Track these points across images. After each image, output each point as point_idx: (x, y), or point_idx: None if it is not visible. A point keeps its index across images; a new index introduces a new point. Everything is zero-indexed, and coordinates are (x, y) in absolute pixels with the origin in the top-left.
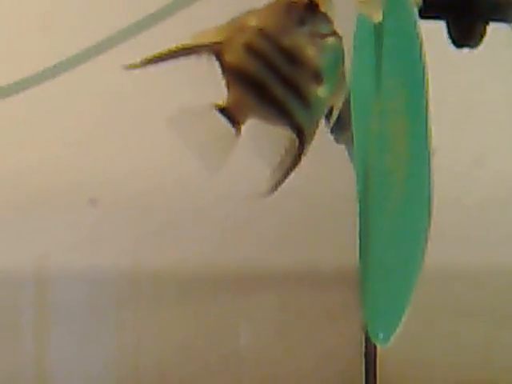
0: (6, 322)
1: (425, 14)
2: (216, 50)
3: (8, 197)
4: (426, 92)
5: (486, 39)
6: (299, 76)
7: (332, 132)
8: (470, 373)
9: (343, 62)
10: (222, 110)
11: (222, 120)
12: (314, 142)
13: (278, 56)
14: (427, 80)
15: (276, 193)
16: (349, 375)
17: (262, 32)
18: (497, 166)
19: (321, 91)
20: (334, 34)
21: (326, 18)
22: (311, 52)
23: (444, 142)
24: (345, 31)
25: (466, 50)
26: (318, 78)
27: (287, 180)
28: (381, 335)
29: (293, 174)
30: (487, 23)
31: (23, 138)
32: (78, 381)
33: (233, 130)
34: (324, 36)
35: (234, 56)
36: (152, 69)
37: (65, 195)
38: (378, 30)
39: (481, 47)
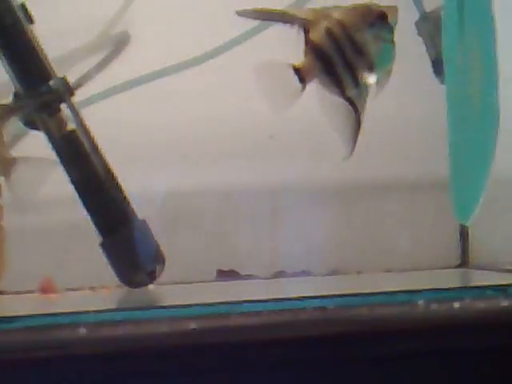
0: None
1: None
2: (305, 25)
3: None
4: (495, 36)
5: None
6: (358, 63)
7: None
8: None
9: (392, 63)
10: (296, 70)
11: (294, 77)
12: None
13: (347, 44)
14: (494, 26)
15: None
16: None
17: (341, 23)
18: None
19: (370, 79)
20: (392, 42)
21: (390, 28)
22: (372, 49)
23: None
24: None
25: None
26: (370, 68)
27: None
28: (464, 216)
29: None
30: None
31: None
32: None
33: (299, 86)
34: (384, 41)
35: (316, 34)
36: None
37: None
38: None
39: None
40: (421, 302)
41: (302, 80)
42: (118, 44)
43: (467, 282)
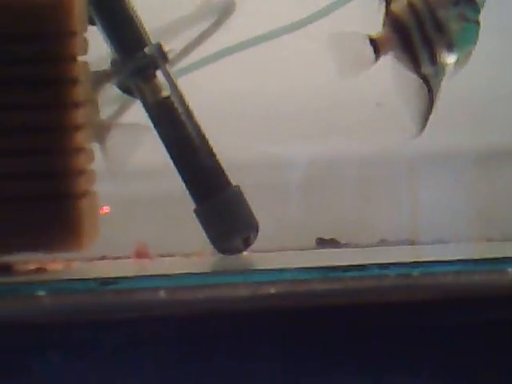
0: None
1: None
2: None
3: None
4: None
5: None
6: (437, 40)
7: None
8: None
9: (474, 44)
10: (372, 40)
11: (369, 48)
12: None
13: (428, 20)
14: None
15: None
16: None
17: None
18: None
19: (449, 58)
20: (477, 22)
21: (476, 8)
22: (454, 28)
23: None
24: None
25: None
26: (450, 47)
27: None
28: None
29: None
30: None
31: None
32: None
33: (373, 57)
34: (469, 20)
35: (398, 7)
36: None
37: None
38: None
39: None
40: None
41: (377, 51)
42: (222, 12)
43: None
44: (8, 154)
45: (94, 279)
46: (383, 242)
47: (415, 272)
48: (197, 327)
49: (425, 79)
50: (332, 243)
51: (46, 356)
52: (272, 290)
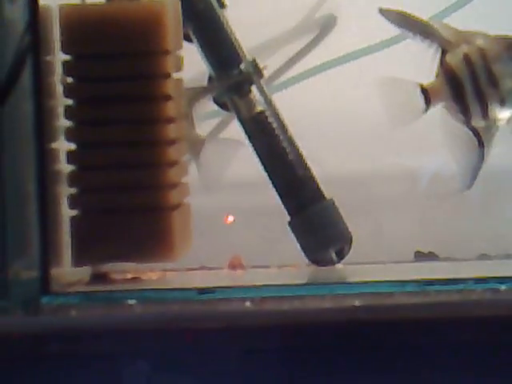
0: None
1: None
2: (445, 46)
3: None
4: None
5: None
6: (490, 94)
7: None
8: None
9: None
10: (423, 90)
11: (419, 96)
12: None
13: (483, 74)
14: None
15: None
16: None
17: (481, 52)
18: None
19: (501, 114)
20: None
21: None
22: (509, 83)
23: None
24: None
25: None
26: (503, 103)
27: None
28: None
29: None
30: None
31: None
32: None
33: (423, 107)
34: None
35: (453, 58)
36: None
37: None
38: None
39: None
40: None
41: (428, 101)
42: (323, 27)
43: None
44: (106, 166)
45: (189, 289)
46: (483, 257)
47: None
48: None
49: (475, 133)
50: (430, 256)
51: (136, 362)
52: (356, 303)
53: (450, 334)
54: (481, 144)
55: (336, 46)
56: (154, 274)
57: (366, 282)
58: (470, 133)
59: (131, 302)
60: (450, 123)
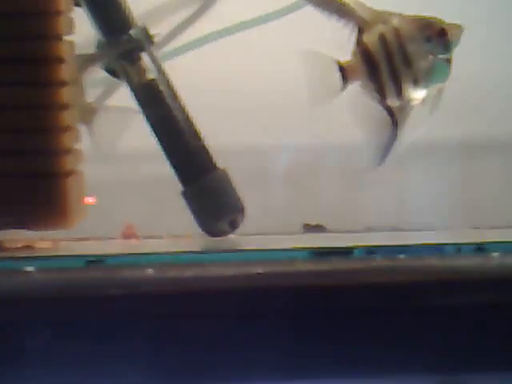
0: None
1: None
2: (361, 25)
3: None
4: None
5: None
6: (405, 74)
7: None
8: None
9: (444, 82)
10: (341, 67)
11: (337, 74)
12: None
13: (398, 54)
14: None
15: None
16: None
17: (397, 31)
18: None
19: (415, 93)
20: (448, 60)
21: (448, 47)
22: (423, 64)
23: None
24: None
25: None
26: (417, 83)
27: None
28: None
29: None
30: None
31: None
32: None
33: (341, 84)
34: (439, 58)
35: (369, 37)
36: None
37: None
38: None
39: None
40: (495, 254)
41: (345, 79)
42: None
43: None
44: None
45: (81, 256)
46: (369, 229)
47: (401, 255)
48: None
49: (390, 112)
50: (318, 229)
51: (36, 331)
52: (259, 270)
53: (351, 300)
54: (394, 123)
55: (230, 15)
56: (45, 243)
57: (270, 250)
58: (384, 111)
59: (29, 268)
60: (362, 101)
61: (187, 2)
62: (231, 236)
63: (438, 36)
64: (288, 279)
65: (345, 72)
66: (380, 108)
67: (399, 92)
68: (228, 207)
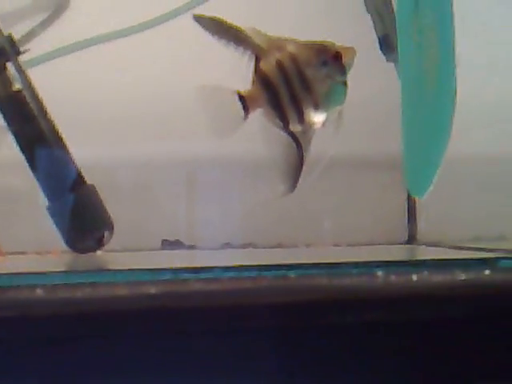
0: None
1: None
2: (258, 52)
3: None
4: (452, 13)
5: None
6: (305, 99)
7: (384, 54)
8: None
9: (342, 104)
10: (241, 97)
11: (238, 104)
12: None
13: (296, 79)
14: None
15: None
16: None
17: (293, 57)
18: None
19: (316, 117)
20: (344, 83)
21: (343, 70)
22: (321, 88)
23: (464, 50)
24: None
25: None
26: (317, 107)
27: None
28: (419, 191)
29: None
30: None
31: None
32: None
33: (242, 114)
34: (336, 81)
35: (267, 64)
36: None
37: None
38: None
39: None
40: (380, 273)
41: (246, 108)
42: (57, 7)
43: (418, 257)
44: None
45: None
46: (228, 245)
47: (292, 274)
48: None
49: (294, 137)
50: (177, 244)
51: None
52: (152, 290)
53: (247, 320)
54: (299, 147)
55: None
56: None
57: (164, 269)
58: (289, 137)
59: None
60: (269, 128)
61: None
62: (98, 252)
63: (334, 60)
64: (179, 300)
65: (245, 101)
66: (284, 134)
67: (301, 117)
68: (95, 223)
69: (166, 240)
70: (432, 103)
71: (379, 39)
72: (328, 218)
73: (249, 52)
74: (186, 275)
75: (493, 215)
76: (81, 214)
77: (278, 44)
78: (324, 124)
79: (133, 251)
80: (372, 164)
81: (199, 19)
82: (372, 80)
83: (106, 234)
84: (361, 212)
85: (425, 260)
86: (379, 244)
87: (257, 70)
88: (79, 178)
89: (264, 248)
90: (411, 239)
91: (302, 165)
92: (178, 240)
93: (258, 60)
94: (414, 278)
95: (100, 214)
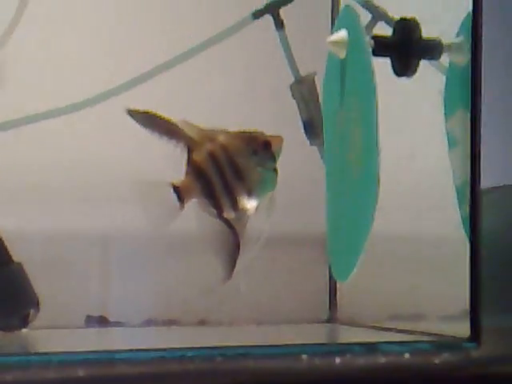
0: None
1: (376, 52)
2: (190, 144)
3: None
4: (376, 107)
5: (418, 70)
6: (238, 188)
7: (308, 138)
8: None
9: (273, 190)
10: (175, 188)
11: (173, 195)
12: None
13: (228, 168)
14: (377, 98)
15: None
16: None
17: (224, 148)
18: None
19: (248, 205)
20: (274, 170)
21: (273, 157)
22: (252, 175)
23: (386, 142)
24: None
25: (404, 79)
26: (249, 194)
27: None
28: (342, 275)
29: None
30: (420, 60)
31: None
32: None
33: (178, 205)
34: (266, 168)
35: (199, 156)
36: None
37: None
38: (343, 62)
39: (414, 76)
40: (304, 356)
41: (181, 199)
42: None
43: (339, 338)
44: None
45: None
46: (151, 322)
47: (218, 356)
48: None
49: (228, 224)
50: (101, 321)
51: None
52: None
53: None
54: (234, 234)
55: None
56: None
57: (91, 352)
58: (224, 224)
59: None
60: (204, 218)
61: None
62: (24, 331)
63: (263, 148)
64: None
65: (179, 192)
66: (219, 222)
67: (234, 204)
68: (21, 301)
69: (90, 316)
70: (355, 192)
71: (304, 124)
72: (250, 294)
73: (181, 144)
74: (116, 356)
75: (410, 294)
76: (6, 292)
77: (209, 135)
78: (257, 209)
79: (57, 328)
80: (295, 241)
81: (132, 113)
82: (296, 160)
83: (32, 311)
84: (283, 289)
85: (348, 343)
86: (300, 323)
87: (190, 161)
88: (5, 257)
89: (186, 326)
90: (332, 317)
91: (238, 251)
92: (101, 316)
93: (190, 151)
94: (338, 360)
95: (26, 292)
